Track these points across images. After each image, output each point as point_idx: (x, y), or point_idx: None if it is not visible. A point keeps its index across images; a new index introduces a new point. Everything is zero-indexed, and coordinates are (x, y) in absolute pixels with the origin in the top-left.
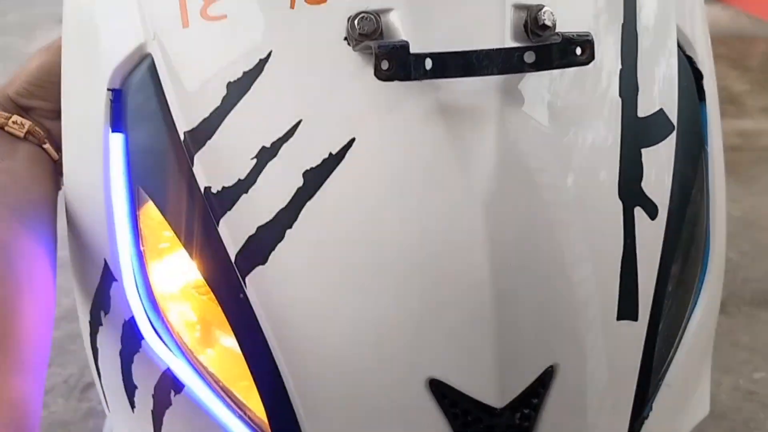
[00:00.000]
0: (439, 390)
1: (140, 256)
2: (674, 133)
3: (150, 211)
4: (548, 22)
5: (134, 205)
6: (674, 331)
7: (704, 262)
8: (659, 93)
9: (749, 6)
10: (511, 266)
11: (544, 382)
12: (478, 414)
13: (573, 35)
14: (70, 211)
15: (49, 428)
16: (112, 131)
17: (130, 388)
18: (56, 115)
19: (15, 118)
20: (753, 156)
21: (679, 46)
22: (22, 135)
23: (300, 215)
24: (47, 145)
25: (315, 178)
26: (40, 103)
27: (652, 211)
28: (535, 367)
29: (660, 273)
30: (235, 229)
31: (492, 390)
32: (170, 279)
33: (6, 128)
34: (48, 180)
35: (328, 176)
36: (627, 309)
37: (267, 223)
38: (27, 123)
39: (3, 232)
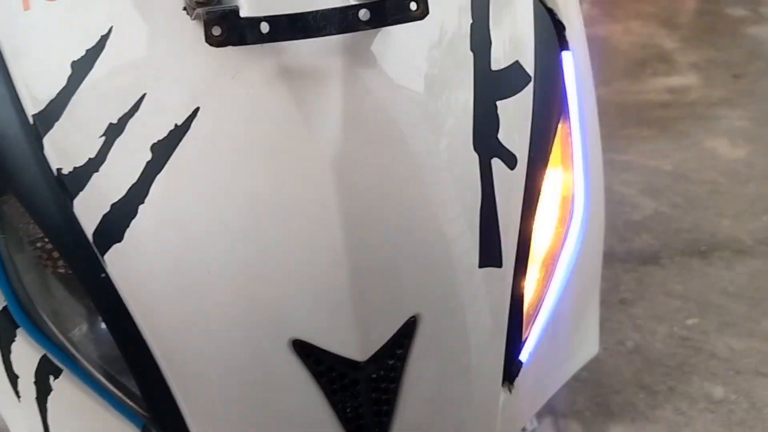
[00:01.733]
0: (303, 350)
1: (5, 246)
2: (531, 84)
3: (9, 200)
4: None
5: None
6: (546, 275)
7: (580, 207)
8: (514, 46)
9: None
10: (363, 224)
11: (407, 333)
12: (343, 369)
13: None
14: None
15: None
16: None
17: (12, 378)
18: None
19: None
20: (682, 111)
21: (540, 0)
22: None
23: (151, 189)
24: None
25: (162, 150)
26: None
27: (510, 161)
28: (395, 319)
29: (523, 220)
30: (89, 209)
31: (353, 345)
32: (37, 265)
33: None
34: None
35: (175, 148)
36: (489, 256)
37: (120, 200)
38: None
39: None
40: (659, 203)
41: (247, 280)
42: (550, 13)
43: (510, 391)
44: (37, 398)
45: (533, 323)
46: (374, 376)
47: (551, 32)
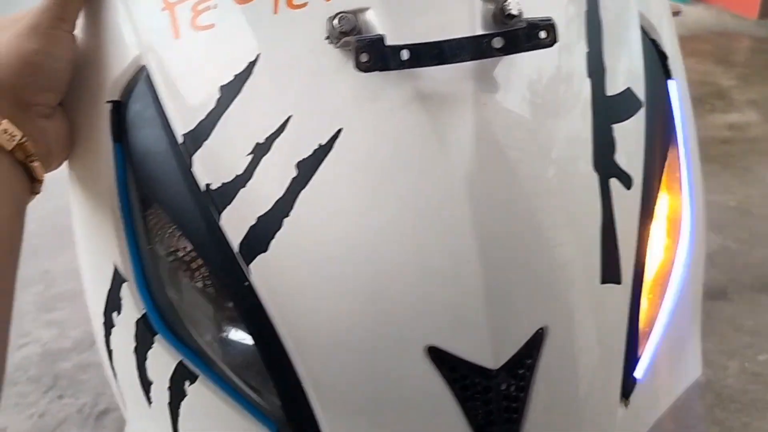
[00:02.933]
0: (438, 357)
1: (148, 256)
2: (642, 109)
3: (156, 212)
4: (514, 11)
5: (140, 208)
6: (658, 294)
7: (687, 228)
8: (626, 73)
9: (731, 5)
10: (496, 238)
11: (535, 343)
12: (476, 377)
13: (537, 20)
14: (78, 220)
15: None
16: (114, 141)
17: (145, 384)
18: (54, 111)
19: (6, 125)
20: (744, 147)
21: (644, 31)
22: (9, 148)
23: (295, 203)
24: (36, 163)
25: (307, 168)
26: (48, 96)
27: (626, 182)
28: (526, 329)
29: (640, 239)
30: (236, 221)
31: (487, 353)
32: (179, 275)
33: None
34: (7, 206)
35: (319, 165)
36: (610, 273)
37: (266, 213)
38: (18, 135)
39: None
40: (725, 238)
41: (385, 291)
42: (654, 43)
43: (626, 407)
44: (170, 403)
45: (647, 341)
46: (505, 384)
47: (657, 62)
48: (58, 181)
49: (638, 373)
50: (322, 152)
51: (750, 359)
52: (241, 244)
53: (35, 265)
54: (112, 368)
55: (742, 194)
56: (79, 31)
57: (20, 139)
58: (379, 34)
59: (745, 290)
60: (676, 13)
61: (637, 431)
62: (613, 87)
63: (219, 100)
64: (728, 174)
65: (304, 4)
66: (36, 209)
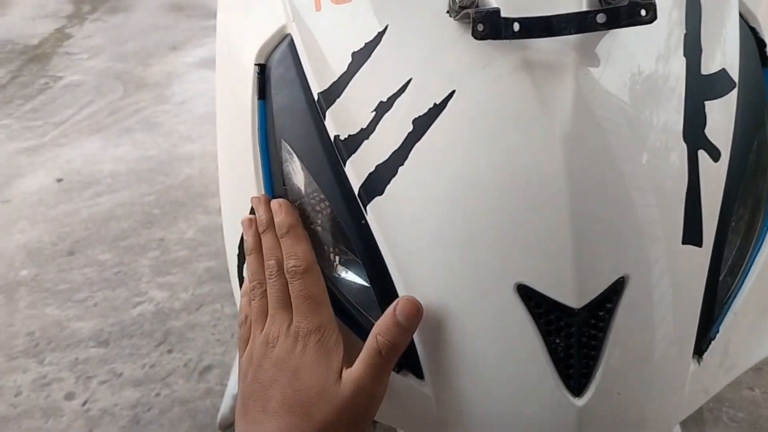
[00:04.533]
0: (526, 294)
1: (282, 197)
2: (735, 90)
3: (291, 160)
4: None
5: (277, 157)
6: (738, 265)
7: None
8: (721, 55)
9: None
10: (585, 191)
11: (616, 290)
12: (560, 314)
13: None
14: (223, 168)
15: (172, 405)
16: (258, 98)
17: None
18: None
19: None
20: None
21: (743, 18)
22: None
23: (410, 155)
24: None
25: (422, 124)
26: None
27: (714, 154)
28: (609, 275)
29: (723, 208)
30: (358, 168)
31: (571, 293)
32: (306, 215)
33: None
34: None
35: (432, 122)
36: (691, 235)
37: (384, 162)
38: None
39: None
40: None
41: (484, 231)
42: (753, 30)
43: (699, 363)
44: None
45: (725, 305)
46: (585, 323)
47: (754, 48)
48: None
49: (713, 333)
50: (436, 111)
51: None
52: (361, 187)
53: (152, 233)
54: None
55: None
56: (233, 4)
57: None
58: (496, 7)
59: None
60: None
61: (709, 388)
62: (708, 67)
63: (350, 64)
64: None
65: None
66: (156, 184)
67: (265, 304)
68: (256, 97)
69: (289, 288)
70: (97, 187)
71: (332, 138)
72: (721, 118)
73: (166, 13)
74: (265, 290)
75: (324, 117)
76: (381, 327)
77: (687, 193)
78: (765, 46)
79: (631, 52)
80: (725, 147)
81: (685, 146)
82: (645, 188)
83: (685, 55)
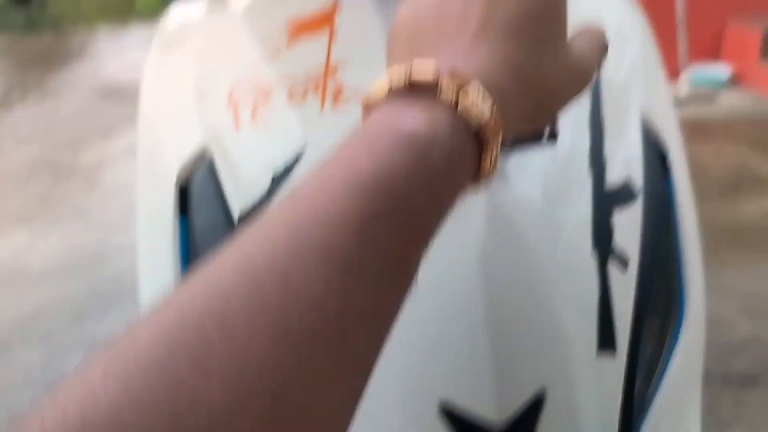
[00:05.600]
0: (447, 411)
1: None
2: (640, 200)
3: None
4: None
5: None
6: (652, 370)
7: (680, 313)
8: (625, 166)
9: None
10: (502, 303)
11: (536, 403)
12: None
13: None
14: (142, 286)
15: None
16: (180, 218)
17: None
18: None
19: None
20: None
21: (645, 128)
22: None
23: None
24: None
25: None
26: None
27: (623, 264)
28: (528, 387)
29: (635, 317)
30: None
31: (492, 407)
32: None
33: None
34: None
35: None
36: (606, 344)
37: None
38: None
39: None
40: (758, 327)
41: (402, 347)
42: (656, 139)
43: None
44: None
45: (642, 412)
46: None
47: (656, 157)
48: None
49: None
50: None
51: None
52: None
53: (82, 331)
54: None
55: None
56: (153, 125)
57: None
58: None
59: None
60: (712, 98)
61: None
62: (613, 178)
63: (270, 185)
64: (763, 262)
65: (348, 103)
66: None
67: None
68: (177, 216)
69: None
70: (23, 282)
71: None
72: (628, 227)
73: (97, 99)
74: None
75: None
76: None
77: (599, 304)
78: (667, 154)
79: (539, 167)
80: (633, 255)
81: (595, 257)
82: (559, 300)
83: (590, 167)
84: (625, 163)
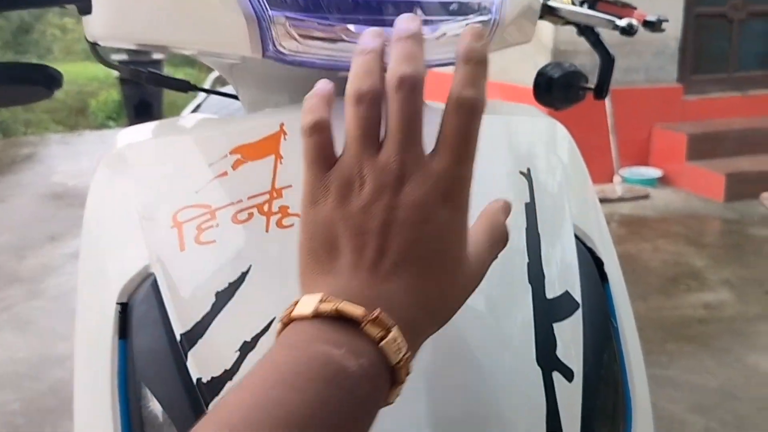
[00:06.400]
0: None
1: None
2: (580, 310)
3: (151, 402)
4: None
5: (136, 399)
6: None
7: (627, 420)
8: (563, 278)
9: (698, 188)
10: (451, 422)
11: None
12: None
13: None
14: (78, 407)
15: None
16: (119, 338)
17: None
18: None
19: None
20: (720, 327)
21: (580, 240)
22: (393, 362)
23: None
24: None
25: None
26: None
27: (568, 375)
28: None
29: (583, 427)
30: None
31: None
32: None
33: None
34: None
35: None
36: None
37: None
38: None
39: None
40: (708, 420)
41: None
42: (590, 251)
43: None
44: None
45: None
46: None
47: (592, 266)
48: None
49: None
50: None
51: None
52: None
53: None
54: None
55: (723, 376)
56: (100, 234)
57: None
58: None
59: None
60: (644, 197)
61: None
62: (552, 291)
63: (214, 304)
64: (707, 355)
65: (291, 225)
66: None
67: (377, 117)
68: (116, 337)
69: (444, 123)
70: None
71: (194, 381)
72: (570, 338)
73: (45, 203)
74: (380, 103)
75: (186, 359)
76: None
77: (547, 416)
78: (602, 264)
79: (482, 285)
80: (577, 365)
81: (539, 370)
82: (507, 415)
83: (530, 282)
84: (563, 274)
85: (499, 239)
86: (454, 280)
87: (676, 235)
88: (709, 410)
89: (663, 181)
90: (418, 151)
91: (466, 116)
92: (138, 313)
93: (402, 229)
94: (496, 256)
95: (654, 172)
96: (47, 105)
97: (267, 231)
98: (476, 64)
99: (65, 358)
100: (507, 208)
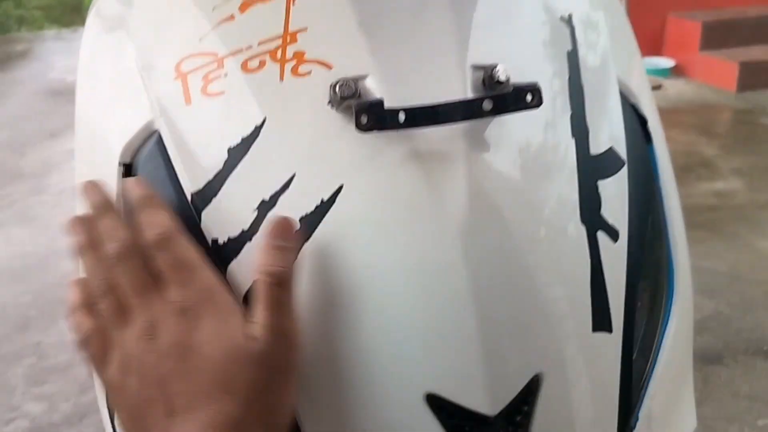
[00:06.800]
0: (436, 404)
1: None
2: (625, 168)
3: None
4: (502, 78)
5: None
6: (649, 344)
7: (670, 281)
8: (608, 133)
9: (710, 79)
10: (490, 289)
11: (531, 390)
12: (474, 423)
13: (523, 85)
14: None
15: None
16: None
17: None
18: None
19: None
20: (731, 214)
21: (623, 96)
22: None
23: (299, 256)
24: None
25: (310, 223)
26: None
27: (613, 235)
28: (522, 376)
29: (628, 289)
30: (241, 275)
31: (484, 400)
32: None
33: None
34: None
35: (321, 220)
36: (601, 321)
37: None
38: None
39: None
40: (717, 303)
41: (385, 339)
42: (634, 108)
43: None
44: None
45: (641, 390)
46: (503, 431)
47: (636, 124)
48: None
49: (634, 422)
50: (324, 208)
51: (749, 424)
52: (246, 296)
53: (28, 338)
54: (113, 427)
55: (732, 260)
56: (95, 92)
57: None
58: (379, 98)
59: (740, 355)
60: (656, 87)
61: None
62: (597, 146)
63: (226, 161)
64: (717, 240)
65: (308, 72)
66: (32, 282)
67: (116, 301)
68: (121, 200)
69: (155, 263)
70: None
71: (209, 242)
72: (616, 196)
73: (43, 99)
74: (111, 286)
75: (199, 219)
76: (261, 260)
77: (591, 278)
78: (646, 122)
79: (521, 137)
80: (622, 226)
81: (584, 229)
82: (549, 278)
83: (573, 136)
84: (608, 129)
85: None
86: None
87: (687, 125)
88: (719, 293)
89: (676, 72)
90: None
91: (159, 250)
92: (143, 173)
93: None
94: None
95: (667, 62)
96: (40, 2)
97: (281, 80)
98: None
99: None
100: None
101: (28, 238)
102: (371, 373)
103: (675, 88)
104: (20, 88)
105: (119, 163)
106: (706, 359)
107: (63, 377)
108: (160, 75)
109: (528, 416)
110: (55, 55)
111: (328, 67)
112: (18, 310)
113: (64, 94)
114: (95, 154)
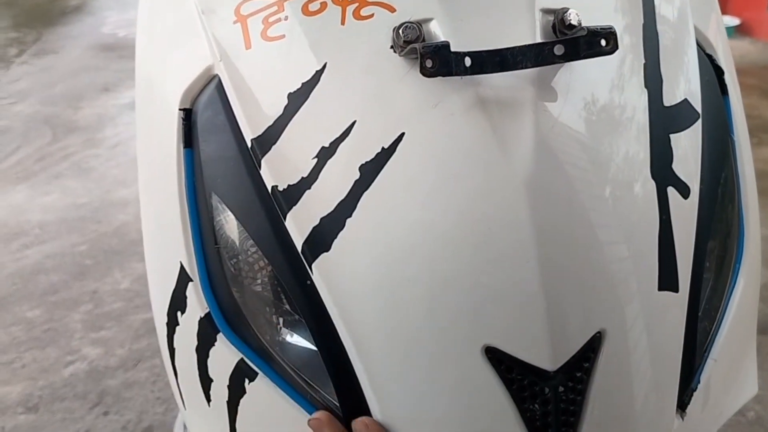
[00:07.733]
0: (496, 357)
1: (214, 256)
2: (699, 121)
3: (223, 213)
4: (574, 22)
5: (207, 210)
6: (715, 305)
7: (740, 242)
8: (683, 85)
9: None
10: (553, 239)
11: (593, 346)
12: (533, 378)
13: (597, 28)
14: (146, 223)
15: None
16: (184, 146)
17: (206, 382)
18: None
19: None
20: None
21: (699, 46)
22: None
23: (358, 205)
24: None
25: (370, 170)
26: None
27: (684, 191)
28: (584, 332)
29: (697, 248)
30: (300, 222)
31: (545, 354)
32: (243, 275)
33: None
34: None
35: (381, 168)
36: (667, 280)
37: (329, 213)
38: None
39: None
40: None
41: (446, 290)
42: (710, 58)
43: (682, 419)
44: (228, 401)
45: (704, 352)
46: (562, 387)
47: (712, 75)
48: (109, 207)
49: (695, 384)
50: (384, 155)
51: None
52: (305, 243)
53: (84, 286)
54: (174, 367)
55: None
56: (155, 38)
57: None
58: (445, 41)
59: None
60: None
61: None
62: (671, 98)
63: (286, 106)
64: None
65: (371, 15)
66: (88, 233)
67: None
68: (182, 146)
69: None
70: (24, 239)
71: (269, 189)
72: (688, 151)
73: (96, 54)
74: None
75: (259, 166)
76: None
77: (659, 235)
78: (723, 73)
79: (591, 86)
80: (694, 182)
81: (653, 184)
82: (616, 233)
83: (646, 86)
84: (683, 80)
85: None
86: None
87: (750, 87)
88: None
89: (740, 30)
90: None
91: None
92: (203, 119)
93: None
94: None
95: (731, 21)
96: None
97: (343, 23)
98: None
99: (127, 203)
100: None
101: (83, 190)
102: (431, 325)
103: (739, 47)
104: (74, 42)
105: (179, 108)
106: (760, 329)
107: (118, 324)
108: (220, 18)
109: (588, 373)
110: (108, 10)
111: (391, 9)
112: (74, 259)
113: (116, 49)
114: (155, 100)
